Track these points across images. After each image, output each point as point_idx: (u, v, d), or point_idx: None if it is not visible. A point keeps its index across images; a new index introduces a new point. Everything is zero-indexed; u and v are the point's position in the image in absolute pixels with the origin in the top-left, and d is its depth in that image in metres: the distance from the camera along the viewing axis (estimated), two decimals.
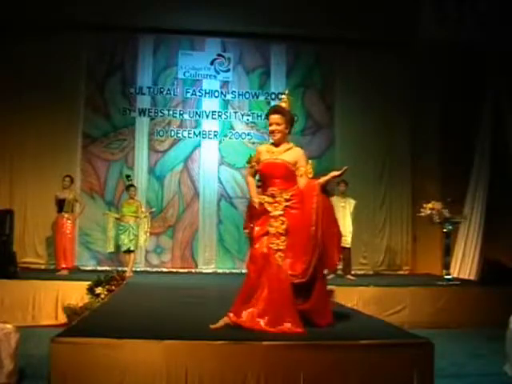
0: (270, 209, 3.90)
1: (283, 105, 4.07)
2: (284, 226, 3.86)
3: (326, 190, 4.00)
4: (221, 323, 3.86)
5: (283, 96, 4.17)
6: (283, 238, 3.86)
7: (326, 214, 3.90)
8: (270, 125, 4.00)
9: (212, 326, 3.83)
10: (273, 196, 3.92)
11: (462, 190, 9.12)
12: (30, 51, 9.33)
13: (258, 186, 4.26)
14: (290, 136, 8.70)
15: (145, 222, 8.29)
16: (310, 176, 3.95)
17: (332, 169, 10.55)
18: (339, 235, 4.08)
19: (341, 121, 10.11)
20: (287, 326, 3.73)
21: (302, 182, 3.92)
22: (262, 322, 3.77)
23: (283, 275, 3.79)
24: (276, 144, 4.02)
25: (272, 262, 3.83)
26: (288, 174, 3.93)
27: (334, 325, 3.99)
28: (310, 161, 4.02)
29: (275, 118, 3.97)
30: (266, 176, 4.00)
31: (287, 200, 3.89)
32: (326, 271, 8.40)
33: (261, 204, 3.96)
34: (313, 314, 3.91)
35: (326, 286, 4.24)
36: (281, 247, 3.85)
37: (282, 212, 3.88)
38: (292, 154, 3.97)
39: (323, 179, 3.94)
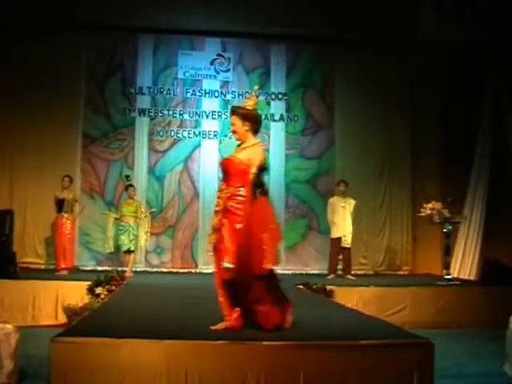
0: (215, 203, 3.92)
1: (249, 103, 4.01)
2: (219, 222, 3.83)
3: (260, 189, 3.87)
4: (221, 325, 3.86)
5: (250, 94, 4.18)
6: (218, 233, 3.83)
7: (257, 214, 3.80)
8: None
9: (212, 328, 3.83)
10: (220, 191, 3.92)
11: (462, 190, 9.12)
12: (30, 51, 9.32)
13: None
14: (291, 136, 8.96)
15: (145, 222, 8.29)
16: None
17: (332, 169, 10.57)
18: (275, 235, 3.92)
19: (341, 121, 10.10)
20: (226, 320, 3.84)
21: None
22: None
23: (216, 270, 3.89)
24: (239, 144, 4.01)
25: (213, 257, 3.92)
26: (237, 172, 3.84)
27: (282, 328, 3.79)
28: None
29: (231, 118, 4.00)
30: (221, 172, 4.03)
31: (229, 198, 3.81)
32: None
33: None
34: (254, 315, 3.82)
35: (269, 287, 3.89)
36: (214, 242, 3.85)
37: (220, 208, 3.84)
38: (248, 152, 3.88)
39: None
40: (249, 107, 3.97)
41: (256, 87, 4.33)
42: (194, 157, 9.88)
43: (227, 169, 3.89)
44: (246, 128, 3.91)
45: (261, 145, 4.00)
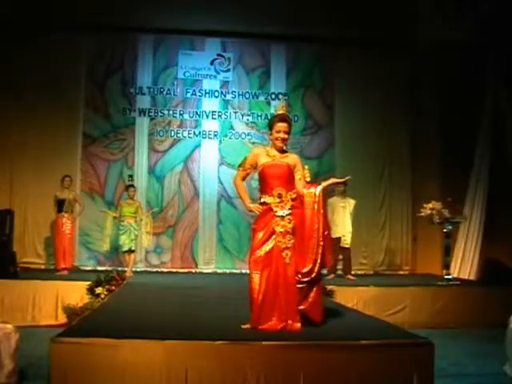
0: (276, 209, 4.03)
1: (281, 111, 4.28)
2: (291, 225, 4.02)
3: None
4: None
5: (282, 104, 4.42)
6: (289, 236, 4.01)
7: (324, 217, 4.11)
8: (278, 132, 4.16)
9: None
10: (280, 196, 4.06)
11: (462, 189, 9.11)
12: (30, 51, 9.33)
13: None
14: (291, 136, 9.01)
15: (147, 222, 8.31)
16: (308, 180, 4.18)
17: (332, 169, 10.56)
18: (330, 236, 4.33)
19: (341, 121, 10.11)
20: (288, 323, 3.87)
21: (299, 184, 4.13)
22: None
23: (290, 273, 3.95)
24: (279, 150, 4.19)
25: (279, 260, 3.96)
26: (290, 176, 4.13)
27: (323, 323, 4.07)
28: (306, 166, 4.27)
29: (285, 126, 4.17)
30: (271, 177, 4.11)
31: (292, 200, 4.06)
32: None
33: (265, 204, 4.08)
34: (309, 311, 4.02)
35: (322, 285, 4.41)
36: (288, 245, 4.00)
37: (289, 211, 4.03)
38: (291, 158, 4.20)
39: (326, 183, 4.18)
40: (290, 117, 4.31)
41: (284, 101, 4.73)
42: (194, 157, 9.88)
43: (284, 174, 4.12)
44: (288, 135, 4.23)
45: None
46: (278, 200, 4.04)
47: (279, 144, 4.16)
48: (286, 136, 4.15)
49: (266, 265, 3.95)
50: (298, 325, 3.87)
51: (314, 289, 4.04)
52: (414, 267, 10.07)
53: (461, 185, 9.14)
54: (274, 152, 4.17)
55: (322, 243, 3.99)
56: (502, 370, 4.64)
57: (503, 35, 8.46)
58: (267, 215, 4.04)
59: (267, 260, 3.95)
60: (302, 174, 4.16)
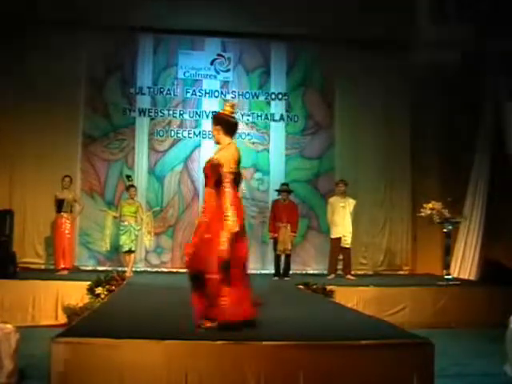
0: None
1: (227, 108, 4.15)
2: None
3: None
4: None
5: (229, 102, 4.29)
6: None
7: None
8: None
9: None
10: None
11: (462, 189, 9.11)
12: (30, 51, 9.31)
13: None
14: (292, 136, 9.08)
15: (148, 221, 8.31)
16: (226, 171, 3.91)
17: (332, 169, 10.53)
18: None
19: (341, 121, 10.10)
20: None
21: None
22: None
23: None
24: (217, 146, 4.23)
25: None
26: (211, 175, 3.98)
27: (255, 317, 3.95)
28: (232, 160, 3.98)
29: (211, 124, 4.35)
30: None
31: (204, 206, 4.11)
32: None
33: None
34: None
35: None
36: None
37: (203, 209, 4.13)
38: (221, 153, 4.02)
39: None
40: (220, 111, 4.25)
41: (235, 101, 4.70)
42: (194, 157, 9.88)
43: (205, 171, 4.06)
44: (217, 131, 4.12)
45: (234, 144, 4.12)
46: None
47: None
48: (212, 133, 4.18)
49: None
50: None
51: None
52: (414, 267, 10.06)
53: (461, 185, 9.14)
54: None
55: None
56: (502, 369, 4.64)
57: (503, 35, 8.45)
58: None
59: None
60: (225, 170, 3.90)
